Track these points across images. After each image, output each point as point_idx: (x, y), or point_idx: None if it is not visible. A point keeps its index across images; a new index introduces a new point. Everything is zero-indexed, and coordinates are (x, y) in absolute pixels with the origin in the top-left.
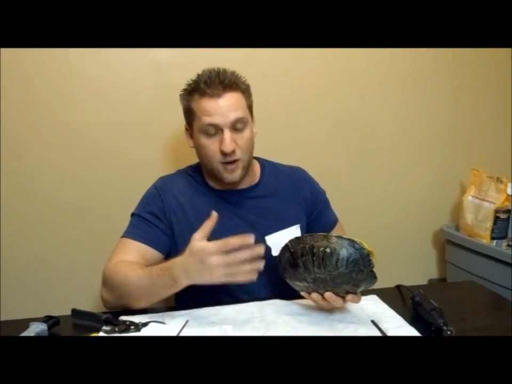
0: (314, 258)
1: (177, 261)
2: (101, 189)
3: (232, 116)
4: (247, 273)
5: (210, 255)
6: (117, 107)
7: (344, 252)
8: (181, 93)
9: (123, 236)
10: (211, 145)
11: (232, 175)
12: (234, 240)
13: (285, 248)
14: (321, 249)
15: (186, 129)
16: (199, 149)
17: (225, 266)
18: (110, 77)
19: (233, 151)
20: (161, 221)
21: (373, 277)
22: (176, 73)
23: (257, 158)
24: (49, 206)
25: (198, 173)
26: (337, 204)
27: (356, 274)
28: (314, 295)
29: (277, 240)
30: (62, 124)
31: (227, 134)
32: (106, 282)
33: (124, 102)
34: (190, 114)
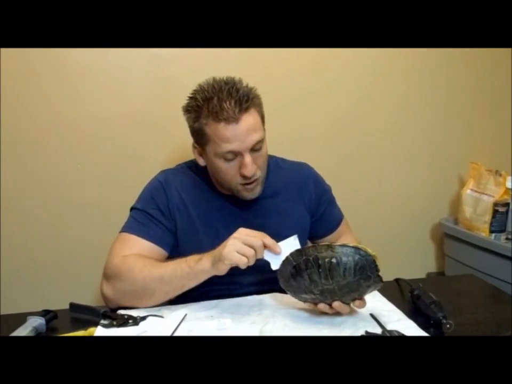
0: (320, 270)
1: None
2: (100, 183)
3: (253, 139)
4: (245, 258)
5: (241, 230)
6: (116, 100)
7: (350, 261)
8: (187, 111)
9: (124, 231)
10: (230, 168)
11: (252, 193)
12: (269, 240)
13: (286, 262)
14: (326, 260)
15: (194, 147)
16: (215, 170)
17: (241, 242)
18: (108, 70)
19: (254, 173)
20: (166, 217)
21: (378, 281)
22: (174, 66)
23: None
24: (48, 201)
25: (201, 171)
26: (336, 199)
27: (364, 281)
28: (322, 305)
29: (275, 253)
30: (60, 117)
31: (248, 158)
32: (113, 279)
33: (123, 95)
34: (202, 137)
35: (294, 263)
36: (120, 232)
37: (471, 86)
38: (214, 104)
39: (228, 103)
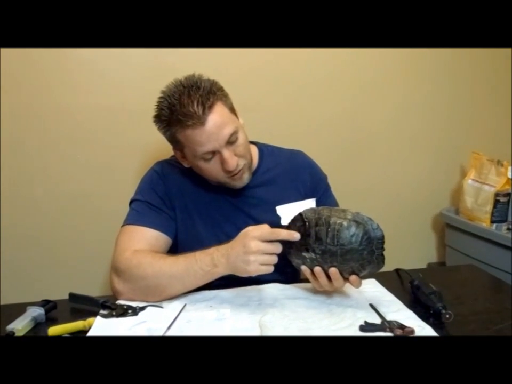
0: (329, 230)
1: (221, 246)
2: (100, 173)
3: (225, 134)
4: (271, 266)
5: (253, 239)
6: (115, 90)
7: (360, 228)
8: (156, 121)
9: (129, 223)
10: (212, 166)
11: (241, 181)
12: (283, 233)
13: (298, 217)
14: (338, 221)
15: (175, 152)
16: (199, 170)
17: (261, 254)
18: (108, 60)
19: (237, 164)
20: (167, 206)
21: (381, 261)
22: (174, 55)
23: (256, 143)
24: (48, 191)
25: None
26: (336, 188)
27: (367, 254)
28: (317, 268)
29: (290, 211)
30: (60, 107)
31: (226, 153)
32: (124, 275)
33: (122, 85)
34: (177, 144)
35: (306, 220)
36: (124, 225)
37: (472, 76)
38: (177, 111)
39: (190, 107)
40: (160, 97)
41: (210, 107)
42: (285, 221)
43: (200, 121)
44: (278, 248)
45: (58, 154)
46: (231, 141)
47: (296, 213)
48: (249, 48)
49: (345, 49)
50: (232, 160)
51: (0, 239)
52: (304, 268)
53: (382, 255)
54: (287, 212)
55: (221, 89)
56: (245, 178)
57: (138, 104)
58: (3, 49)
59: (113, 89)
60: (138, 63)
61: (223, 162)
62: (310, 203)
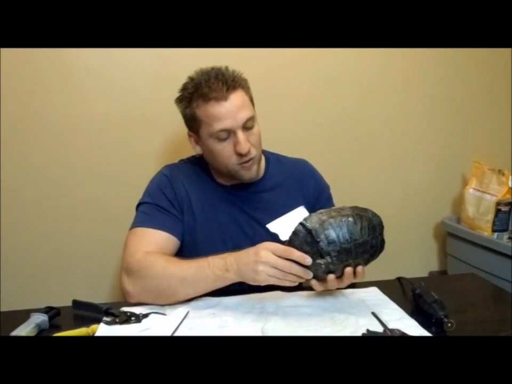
0: (338, 230)
1: (236, 252)
2: (102, 181)
3: (243, 116)
4: (282, 283)
5: (265, 249)
6: (118, 99)
7: (365, 220)
8: (179, 100)
9: (138, 226)
10: (225, 148)
11: (250, 172)
12: (295, 253)
13: (299, 228)
14: (343, 219)
15: (190, 135)
16: (211, 153)
17: (270, 266)
18: (111, 69)
19: (249, 150)
20: (176, 208)
21: (383, 246)
22: (177, 64)
23: (262, 151)
24: (51, 198)
25: (203, 165)
26: (337, 197)
27: (375, 242)
28: (332, 277)
29: (283, 225)
30: (64, 115)
31: (241, 135)
32: (137, 275)
33: (125, 93)
34: (194, 122)
35: (309, 228)
36: (133, 228)
37: (473, 85)
38: (202, 86)
39: (215, 84)
40: (186, 81)
41: (234, 88)
42: (283, 236)
43: (223, 95)
44: (290, 266)
45: (61, 161)
46: (247, 126)
47: (289, 225)
48: (250, 55)
49: (346, 56)
50: (246, 144)
51: (2, 245)
52: (313, 282)
53: (383, 239)
54: (281, 226)
55: (245, 80)
56: (254, 170)
57: (144, 112)
58: (3, 51)
59: (116, 97)
60: (142, 71)
61: (236, 144)
62: (299, 211)
